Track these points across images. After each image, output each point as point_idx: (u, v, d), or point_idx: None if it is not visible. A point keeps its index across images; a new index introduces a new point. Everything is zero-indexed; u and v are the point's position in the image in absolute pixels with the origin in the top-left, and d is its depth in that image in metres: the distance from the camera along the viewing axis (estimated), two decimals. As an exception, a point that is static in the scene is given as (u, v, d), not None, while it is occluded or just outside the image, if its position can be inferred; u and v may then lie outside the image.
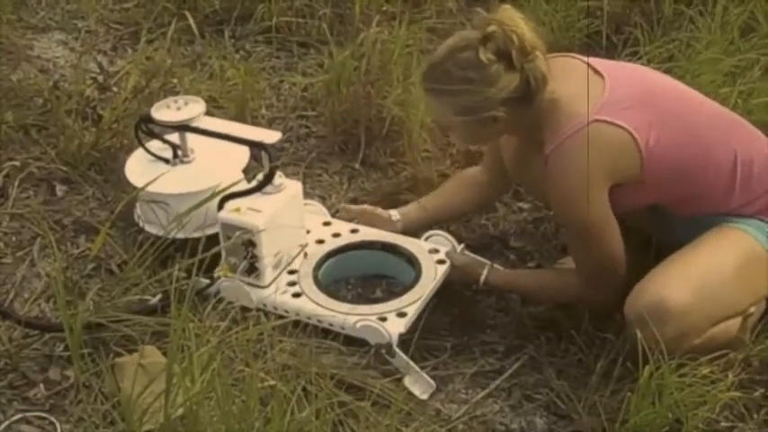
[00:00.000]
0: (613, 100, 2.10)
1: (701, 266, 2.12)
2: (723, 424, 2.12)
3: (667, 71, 2.78)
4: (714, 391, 2.07)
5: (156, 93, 2.90)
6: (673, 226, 2.23)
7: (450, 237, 2.45)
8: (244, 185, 2.33)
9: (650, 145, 2.09)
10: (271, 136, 2.32)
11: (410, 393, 2.13)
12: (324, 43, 3.13)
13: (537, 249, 2.57)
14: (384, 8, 3.26)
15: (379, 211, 2.49)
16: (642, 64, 2.90)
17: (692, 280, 2.09)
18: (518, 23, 2.08)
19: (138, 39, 3.19)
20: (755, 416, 2.14)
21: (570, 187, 2.10)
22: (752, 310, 2.24)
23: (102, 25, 3.40)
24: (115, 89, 2.98)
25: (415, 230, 2.48)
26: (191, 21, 3.27)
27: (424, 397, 2.14)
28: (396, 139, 2.83)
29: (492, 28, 2.07)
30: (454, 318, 2.35)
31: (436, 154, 2.79)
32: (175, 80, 3.06)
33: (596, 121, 2.08)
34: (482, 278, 2.30)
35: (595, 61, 2.20)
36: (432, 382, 2.16)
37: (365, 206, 2.53)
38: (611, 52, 3.11)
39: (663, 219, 2.24)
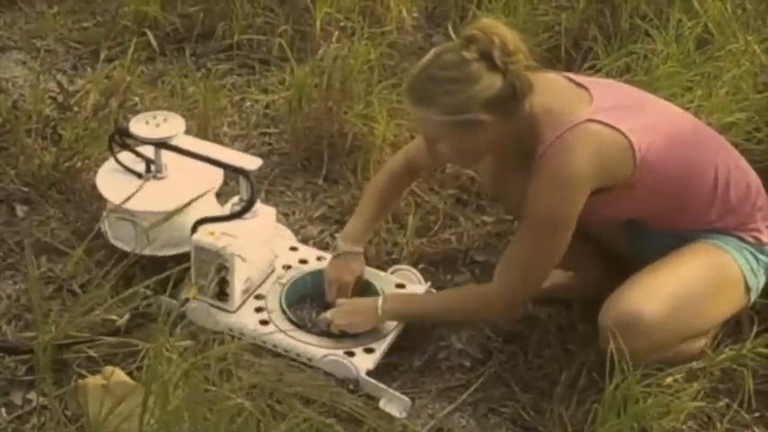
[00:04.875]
0: (603, 107, 2.11)
1: (677, 281, 2.13)
2: (687, 433, 2.15)
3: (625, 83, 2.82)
4: (679, 400, 2.09)
5: (116, 111, 2.89)
6: (648, 243, 2.24)
7: (416, 271, 2.46)
8: (220, 210, 2.34)
9: (643, 149, 2.10)
10: (251, 162, 2.31)
11: (379, 410, 2.13)
12: (285, 60, 3.13)
13: (501, 263, 2.59)
14: (343, 24, 3.28)
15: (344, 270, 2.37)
16: (600, 77, 2.93)
17: (668, 295, 2.10)
18: (499, 27, 2.09)
19: (98, 58, 3.17)
20: (719, 424, 2.16)
21: (559, 177, 2.08)
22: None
23: (61, 44, 3.38)
24: (75, 108, 2.96)
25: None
26: (151, 39, 3.26)
27: (403, 415, 2.14)
28: (359, 155, 2.84)
29: (473, 31, 2.08)
30: (419, 334, 2.35)
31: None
32: (136, 98, 3.05)
33: (592, 121, 2.09)
34: (379, 309, 2.24)
35: (573, 76, 2.22)
36: (407, 399, 2.16)
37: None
38: (570, 66, 3.14)
39: (638, 235, 2.26)
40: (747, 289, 2.20)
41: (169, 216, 2.19)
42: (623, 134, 2.10)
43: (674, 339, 2.13)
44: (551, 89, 2.15)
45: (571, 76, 2.22)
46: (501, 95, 2.07)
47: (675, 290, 2.11)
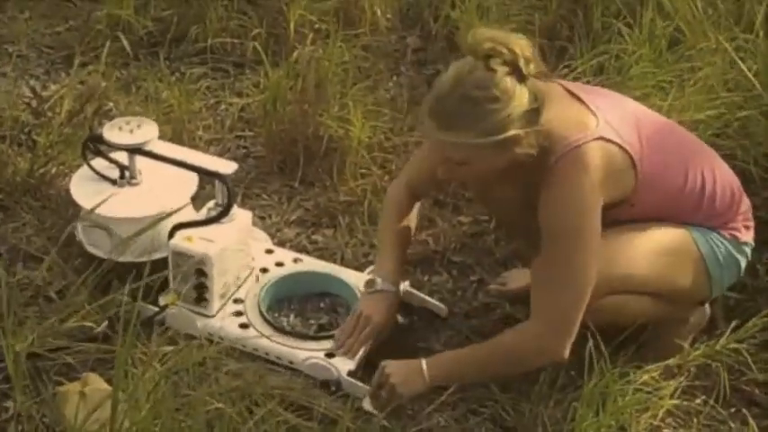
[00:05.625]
0: (607, 124, 2.09)
1: (622, 236, 2.12)
2: (666, 430, 2.16)
3: (599, 84, 2.84)
4: (656, 397, 2.10)
5: (91, 117, 2.88)
6: None
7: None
8: (194, 215, 2.33)
9: (643, 166, 2.10)
10: (226, 166, 2.31)
11: (359, 410, 2.14)
12: (259, 63, 3.13)
13: (478, 263, 2.60)
14: (318, 26, 3.28)
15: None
16: (575, 77, 2.95)
17: (604, 246, 2.08)
18: (509, 37, 2.03)
19: (72, 62, 3.15)
20: (696, 420, 2.18)
21: (576, 191, 2.04)
22: (691, 319, 2.30)
23: (33, 49, 3.36)
24: (50, 114, 2.94)
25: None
26: (125, 43, 3.24)
27: (384, 413, 2.13)
28: (334, 157, 2.84)
29: (489, 44, 1.99)
30: (398, 334, 2.36)
31: (375, 171, 2.80)
32: (111, 103, 3.03)
33: (601, 138, 2.06)
34: (425, 371, 2.12)
35: (564, 83, 2.20)
36: None
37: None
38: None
39: None
40: (709, 276, 2.20)
41: (148, 227, 2.18)
42: (628, 153, 2.09)
43: (601, 286, 2.07)
44: (553, 99, 2.09)
45: (562, 83, 2.20)
46: (529, 107, 2.01)
47: (614, 241, 2.10)
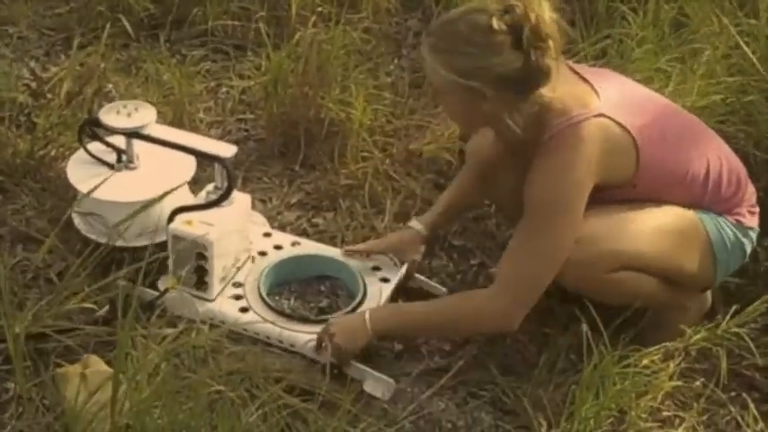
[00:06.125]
0: (609, 103, 2.09)
1: (631, 213, 2.12)
2: (665, 413, 2.16)
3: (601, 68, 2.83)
4: (656, 380, 2.10)
5: (90, 99, 2.87)
6: None
7: (392, 255, 2.43)
8: (192, 198, 2.33)
9: (646, 148, 2.09)
10: (226, 150, 2.29)
11: (359, 393, 2.14)
12: (260, 45, 3.12)
13: (479, 247, 2.60)
14: (320, 9, 3.26)
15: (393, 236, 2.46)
16: (577, 61, 2.93)
17: (614, 219, 2.09)
18: (542, 8, 2.01)
19: (72, 44, 3.14)
20: (696, 404, 2.18)
21: (563, 164, 2.04)
22: (692, 308, 2.29)
23: (33, 31, 3.35)
24: (49, 96, 2.94)
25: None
26: (126, 25, 3.23)
27: (387, 396, 2.15)
28: (336, 140, 2.83)
29: (513, 1, 2.00)
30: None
31: (376, 154, 2.80)
32: (110, 85, 3.02)
33: (602, 116, 2.07)
34: (367, 322, 2.14)
35: (571, 65, 2.19)
36: (391, 380, 2.16)
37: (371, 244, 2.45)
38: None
39: None
40: (715, 260, 2.19)
41: (138, 212, 2.16)
42: (630, 133, 2.08)
43: (607, 259, 2.08)
44: (561, 80, 2.08)
45: (570, 64, 2.19)
46: (514, 77, 2.01)
47: (623, 217, 2.11)
